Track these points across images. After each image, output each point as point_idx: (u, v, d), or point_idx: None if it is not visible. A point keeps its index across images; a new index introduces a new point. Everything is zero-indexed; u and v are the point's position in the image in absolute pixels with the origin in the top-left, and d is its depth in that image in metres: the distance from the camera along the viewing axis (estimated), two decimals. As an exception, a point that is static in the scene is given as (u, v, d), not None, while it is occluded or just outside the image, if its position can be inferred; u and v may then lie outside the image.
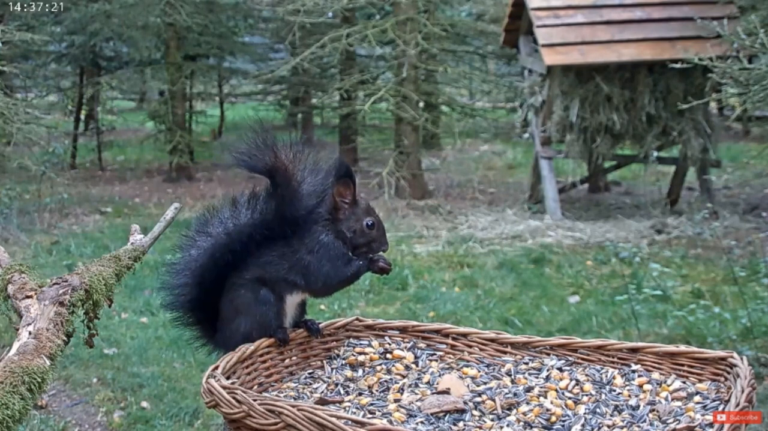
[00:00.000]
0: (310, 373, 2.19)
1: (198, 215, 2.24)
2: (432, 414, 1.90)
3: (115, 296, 2.10)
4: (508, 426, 1.87)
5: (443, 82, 14.84)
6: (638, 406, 1.94)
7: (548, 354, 2.19)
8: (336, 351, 2.27)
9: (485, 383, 2.09)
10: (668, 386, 2.01)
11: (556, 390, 2.02)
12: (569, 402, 1.97)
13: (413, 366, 2.21)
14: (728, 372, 1.99)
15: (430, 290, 7.43)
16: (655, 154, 10.18)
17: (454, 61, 15.04)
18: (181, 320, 2.24)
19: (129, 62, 15.14)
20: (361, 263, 2.15)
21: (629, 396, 2.00)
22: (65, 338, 1.84)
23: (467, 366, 2.19)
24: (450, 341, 2.28)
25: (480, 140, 17.11)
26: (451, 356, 2.25)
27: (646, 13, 10.31)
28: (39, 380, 1.66)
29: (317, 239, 2.12)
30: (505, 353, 2.23)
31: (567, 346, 2.19)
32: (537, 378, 2.10)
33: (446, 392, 2.00)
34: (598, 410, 1.93)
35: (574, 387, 2.04)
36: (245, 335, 2.15)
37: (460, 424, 1.87)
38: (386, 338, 2.32)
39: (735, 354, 2.00)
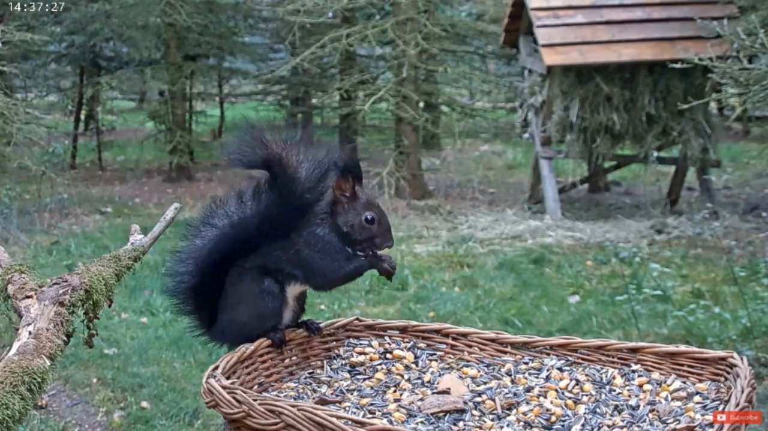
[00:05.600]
0: (310, 373, 2.19)
1: (204, 207, 2.24)
2: (432, 414, 1.90)
3: (115, 296, 2.10)
4: (508, 426, 1.87)
5: (443, 82, 14.83)
6: (638, 406, 1.94)
7: (548, 354, 2.19)
8: (336, 351, 2.27)
9: (485, 383, 2.09)
10: (668, 386, 2.01)
11: (556, 390, 2.02)
12: (569, 402, 1.97)
13: (413, 366, 2.21)
14: (728, 372, 1.98)
15: (430, 290, 7.42)
16: (655, 154, 10.17)
17: (454, 61, 15.02)
18: (180, 307, 2.24)
19: (129, 62, 15.13)
20: (363, 259, 2.12)
21: (629, 396, 2.00)
22: (65, 338, 1.84)
23: (467, 366, 2.18)
24: (450, 341, 2.28)
25: (480, 140, 17.10)
26: (451, 356, 2.25)
27: (646, 13, 10.31)
28: (39, 380, 1.66)
29: (314, 233, 2.11)
30: (505, 353, 2.23)
31: (567, 346, 2.19)
32: (537, 378, 2.10)
33: (446, 392, 2.00)
34: (598, 410, 1.93)
35: (574, 387, 2.04)
36: (242, 324, 2.15)
37: (460, 424, 1.87)
38: (386, 338, 2.32)
39: (735, 354, 2.00)
